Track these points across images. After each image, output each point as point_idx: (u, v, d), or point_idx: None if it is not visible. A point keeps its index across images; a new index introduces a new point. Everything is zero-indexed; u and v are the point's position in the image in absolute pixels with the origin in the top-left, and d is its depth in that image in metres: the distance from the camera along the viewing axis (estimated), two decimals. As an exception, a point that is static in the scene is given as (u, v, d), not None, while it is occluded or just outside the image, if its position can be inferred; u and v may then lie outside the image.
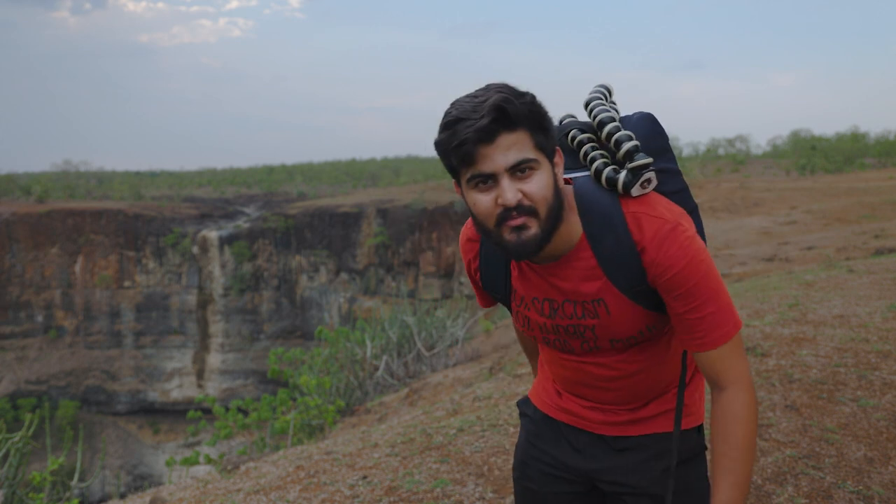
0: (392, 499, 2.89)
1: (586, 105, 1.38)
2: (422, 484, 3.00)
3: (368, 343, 6.95)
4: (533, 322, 1.38)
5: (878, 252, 9.41)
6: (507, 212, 1.16)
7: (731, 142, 67.06)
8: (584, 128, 1.37)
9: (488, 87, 1.17)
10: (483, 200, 1.17)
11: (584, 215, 1.27)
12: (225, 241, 47.84)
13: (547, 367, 1.53)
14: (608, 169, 1.28)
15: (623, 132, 1.29)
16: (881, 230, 12.56)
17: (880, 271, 6.96)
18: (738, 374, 1.26)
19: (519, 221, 1.16)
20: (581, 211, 1.27)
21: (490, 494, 2.88)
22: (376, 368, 6.83)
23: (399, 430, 3.90)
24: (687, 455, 1.40)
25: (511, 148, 1.13)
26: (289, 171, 79.64)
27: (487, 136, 1.12)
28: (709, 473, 1.32)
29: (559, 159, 1.23)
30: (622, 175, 1.26)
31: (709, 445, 1.35)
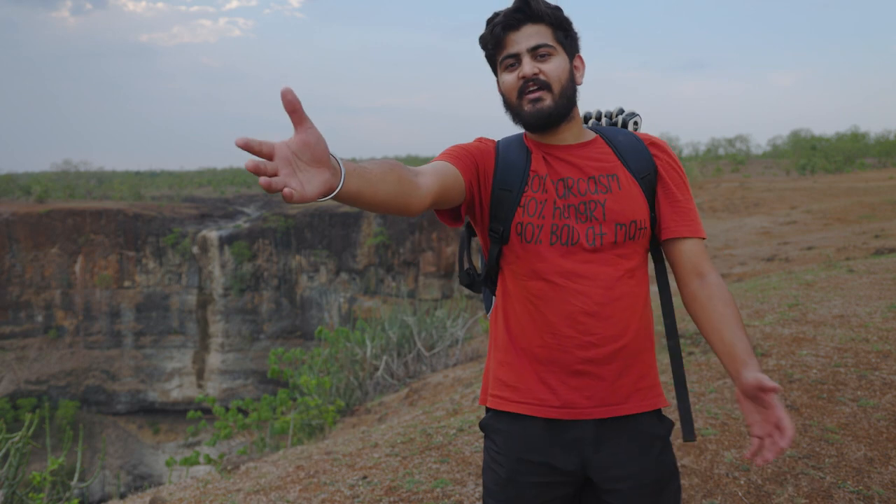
0: (392, 499, 2.89)
1: (596, 118, 1.77)
2: (422, 484, 3.00)
3: (368, 343, 6.95)
4: (549, 204, 1.45)
5: (878, 252, 9.41)
6: (526, 83, 1.42)
7: (731, 142, 67.03)
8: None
9: None
10: (509, 78, 1.45)
11: (598, 130, 1.57)
12: (225, 241, 47.84)
13: (532, 320, 1.46)
14: (604, 122, 1.70)
15: (609, 109, 1.71)
16: (881, 230, 12.56)
17: (880, 271, 6.96)
18: (712, 265, 1.50)
19: (536, 95, 1.42)
20: (596, 130, 1.58)
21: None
22: (376, 368, 6.82)
23: (399, 430, 3.90)
24: (668, 435, 1.50)
25: (533, 35, 1.43)
26: (289, 171, 79.44)
27: (515, 23, 1.43)
28: (722, 335, 1.40)
29: (579, 63, 1.51)
30: (620, 117, 1.66)
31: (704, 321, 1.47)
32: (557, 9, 1.45)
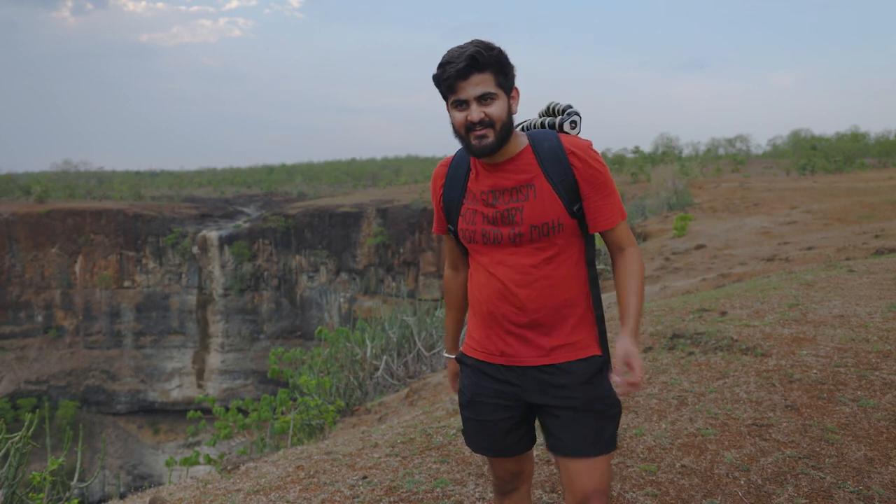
0: (392, 499, 2.89)
1: (547, 112, 2.06)
2: (422, 484, 3.01)
3: (368, 343, 6.95)
4: (479, 214, 1.88)
5: (878, 252, 9.41)
6: (473, 125, 1.75)
7: (731, 142, 67.08)
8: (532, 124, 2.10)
9: (471, 42, 1.75)
10: (459, 116, 1.78)
11: (530, 137, 1.88)
12: (225, 241, 47.85)
13: (479, 292, 1.93)
14: (548, 120, 1.98)
15: (559, 103, 1.99)
16: (881, 230, 12.56)
17: (880, 271, 6.96)
18: (632, 239, 1.92)
19: (481, 132, 1.76)
20: (529, 136, 1.89)
21: (490, 494, 2.88)
22: (376, 368, 6.82)
23: (399, 430, 3.90)
24: (604, 371, 1.92)
25: (479, 84, 1.73)
26: (289, 171, 79.53)
27: (463, 75, 1.72)
28: (620, 301, 1.90)
29: (516, 94, 1.83)
30: (559, 118, 1.95)
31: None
32: (499, 54, 1.75)
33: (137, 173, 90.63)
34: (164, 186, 68.93)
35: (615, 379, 1.85)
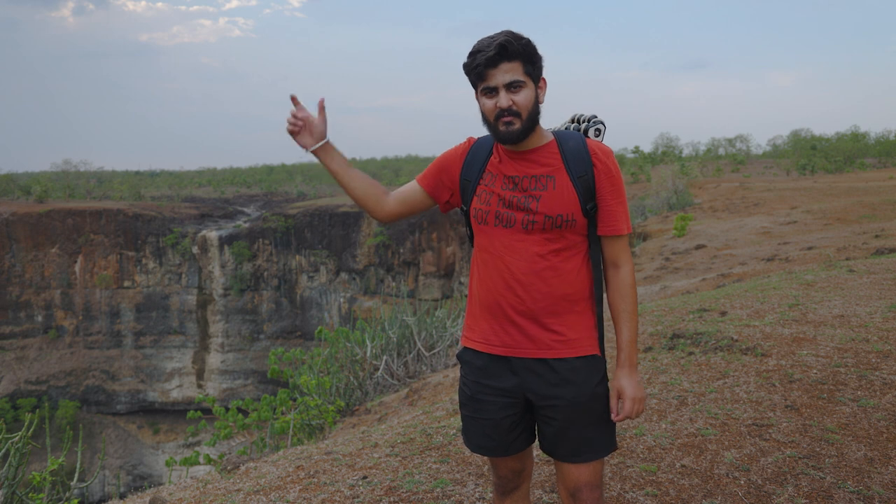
0: (392, 499, 2.89)
1: (571, 121, 2.14)
2: (422, 484, 3.01)
3: (368, 343, 6.94)
4: (496, 196, 1.90)
5: (878, 252, 9.40)
6: (502, 112, 1.81)
7: (731, 142, 67.06)
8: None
9: (501, 32, 1.80)
10: (488, 103, 1.83)
11: (556, 134, 1.95)
12: (225, 241, 47.81)
13: (482, 282, 1.94)
14: (573, 125, 2.07)
15: (584, 114, 2.08)
16: (881, 230, 12.55)
17: (880, 271, 6.96)
18: (629, 257, 1.95)
19: (509, 120, 1.81)
20: (555, 133, 1.95)
21: (490, 494, 2.88)
22: (376, 368, 6.82)
23: (399, 430, 3.90)
24: (603, 374, 1.94)
25: (508, 72, 1.79)
26: (289, 171, 79.48)
27: (493, 63, 1.78)
28: (615, 326, 1.93)
29: (543, 84, 1.89)
30: (584, 125, 2.03)
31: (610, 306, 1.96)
32: (528, 44, 1.79)
33: (137, 173, 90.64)
34: (164, 186, 68.91)
35: (614, 417, 1.93)
